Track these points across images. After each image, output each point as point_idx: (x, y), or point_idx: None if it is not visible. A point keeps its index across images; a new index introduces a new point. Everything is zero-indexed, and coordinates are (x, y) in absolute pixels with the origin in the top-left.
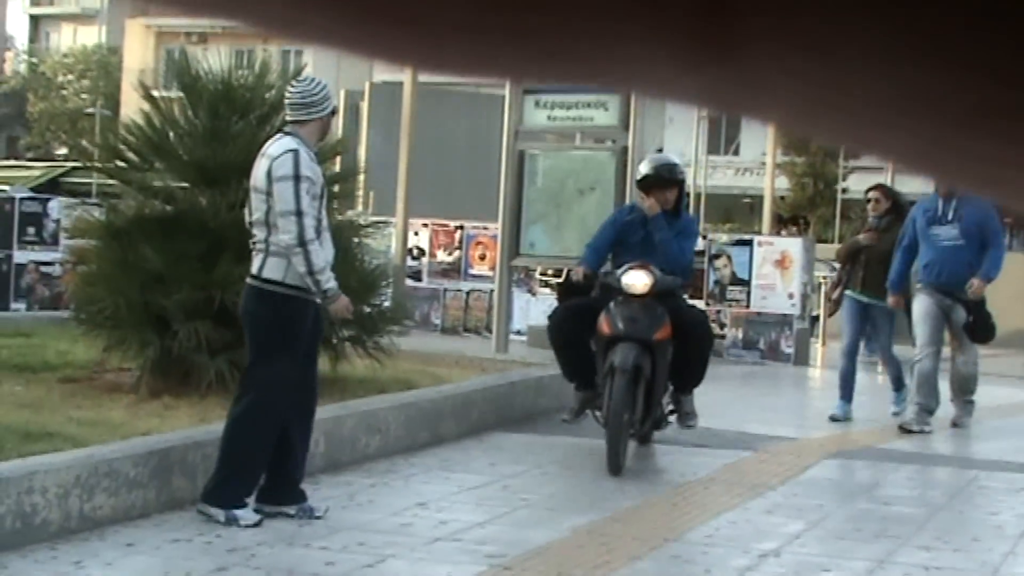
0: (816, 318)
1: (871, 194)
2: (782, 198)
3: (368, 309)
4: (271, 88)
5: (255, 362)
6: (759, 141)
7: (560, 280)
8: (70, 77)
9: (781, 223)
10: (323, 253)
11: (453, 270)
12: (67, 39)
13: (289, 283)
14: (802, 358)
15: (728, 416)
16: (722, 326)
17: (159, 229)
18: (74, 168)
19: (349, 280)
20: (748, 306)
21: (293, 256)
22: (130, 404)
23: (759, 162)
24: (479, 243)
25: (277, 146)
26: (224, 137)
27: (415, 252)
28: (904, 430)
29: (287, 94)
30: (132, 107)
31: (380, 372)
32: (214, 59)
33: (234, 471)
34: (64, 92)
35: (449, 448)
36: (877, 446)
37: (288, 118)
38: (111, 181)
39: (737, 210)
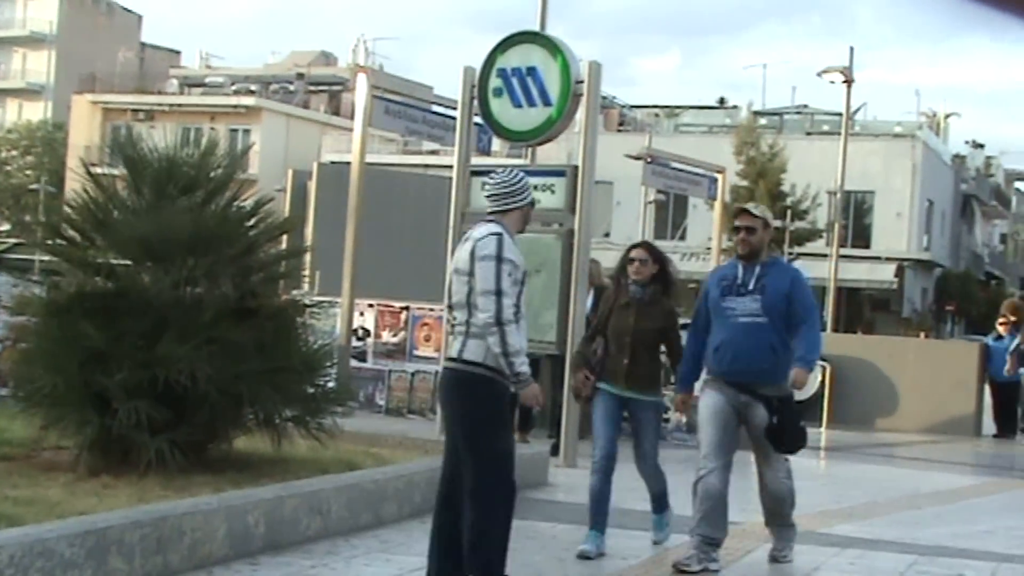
0: None
1: (633, 253)
2: None
3: (312, 389)
4: (217, 166)
5: (473, 447)
6: (705, 226)
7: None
8: (14, 153)
9: None
10: (519, 336)
11: (398, 351)
12: (12, 114)
13: (489, 364)
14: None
15: (670, 499)
16: (666, 410)
17: (101, 306)
18: (16, 244)
19: (293, 360)
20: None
21: (489, 335)
22: (68, 483)
23: (705, 247)
24: (425, 324)
25: (482, 230)
26: (168, 214)
27: (360, 333)
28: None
29: (486, 186)
30: (76, 183)
31: (323, 453)
32: (160, 137)
33: (492, 556)
34: (8, 168)
35: (391, 530)
36: (819, 531)
37: (489, 209)
38: (53, 258)
39: (684, 294)
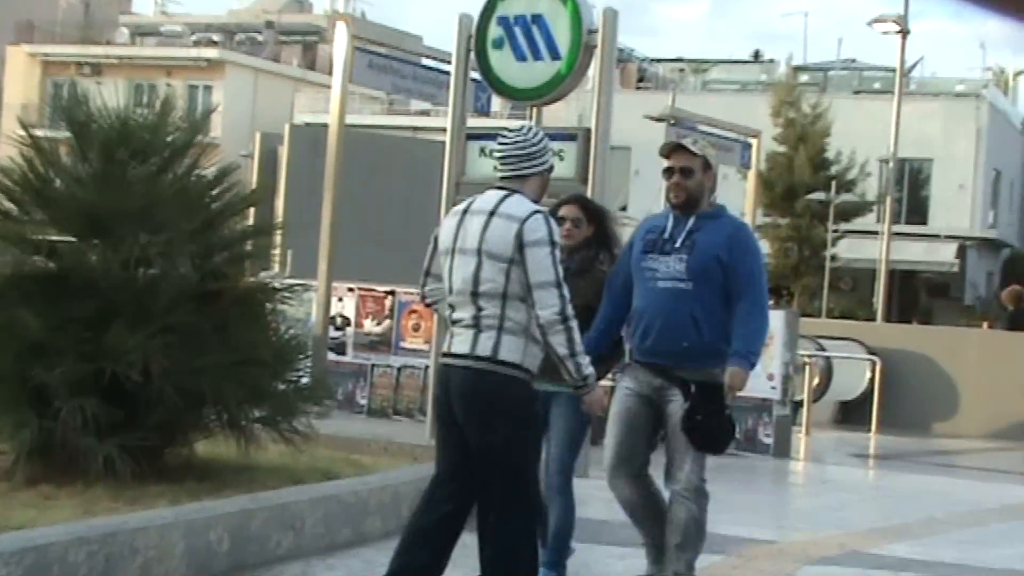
0: (799, 404)
1: (563, 211)
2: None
3: (283, 386)
4: (175, 129)
5: (504, 461)
6: (736, 199)
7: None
8: None
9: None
10: (578, 333)
11: (382, 343)
12: None
13: (527, 367)
14: (782, 449)
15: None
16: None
17: (39, 289)
18: None
19: (261, 352)
20: None
21: (553, 334)
22: (2, 493)
23: None
24: (413, 312)
25: (517, 206)
26: (119, 184)
27: (339, 321)
28: None
29: (500, 145)
30: (11, 149)
31: (296, 460)
32: (109, 94)
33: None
34: None
35: (374, 549)
36: (868, 551)
37: (502, 174)
38: None
39: None
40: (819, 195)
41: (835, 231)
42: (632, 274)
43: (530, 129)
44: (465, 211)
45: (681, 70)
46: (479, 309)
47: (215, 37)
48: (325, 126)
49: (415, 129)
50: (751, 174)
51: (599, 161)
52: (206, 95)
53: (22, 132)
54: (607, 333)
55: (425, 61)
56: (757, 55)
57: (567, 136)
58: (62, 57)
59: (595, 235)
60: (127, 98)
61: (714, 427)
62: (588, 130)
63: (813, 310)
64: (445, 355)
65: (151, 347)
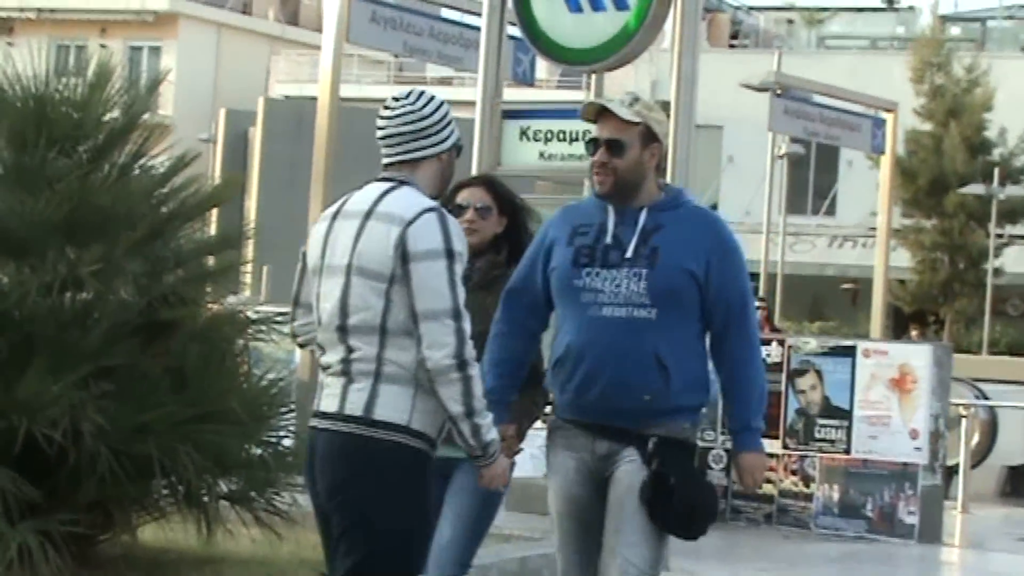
0: (953, 470)
1: (462, 196)
2: (901, 282)
3: (258, 450)
4: (111, 106)
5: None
6: (866, 195)
7: None
8: None
9: (901, 321)
10: (480, 384)
11: None
12: None
13: (416, 429)
14: (931, 531)
15: None
16: (808, 482)
17: None
18: None
19: (229, 404)
20: (848, 451)
21: (443, 385)
22: None
23: (866, 227)
24: None
25: (401, 202)
26: (36, 181)
27: None
28: None
29: (379, 120)
30: None
31: (275, 549)
32: (23, 59)
33: None
34: None
35: None
36: None
37: (387, 158)
38: None
39: (831, 300)
40: (977, 188)
41: (999, 236)
42: (554, 294)
43: (421, 95)
44: (336, 214)
45: (789, 21)
46: (349, 350)
47: None
48: (313, 99)
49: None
50: (885, 160)
51: (681, 144)
52: (153, 59)
53: None
54: (511, 379)
55: (446, 13)
56: (891, 1)
57: None
58: None
59: (507, 232)
60: (47, 64)
61: (694, 496)
62: (666, 103)
63: (971, 344)
64: (313, 415)
65: (80, 398)
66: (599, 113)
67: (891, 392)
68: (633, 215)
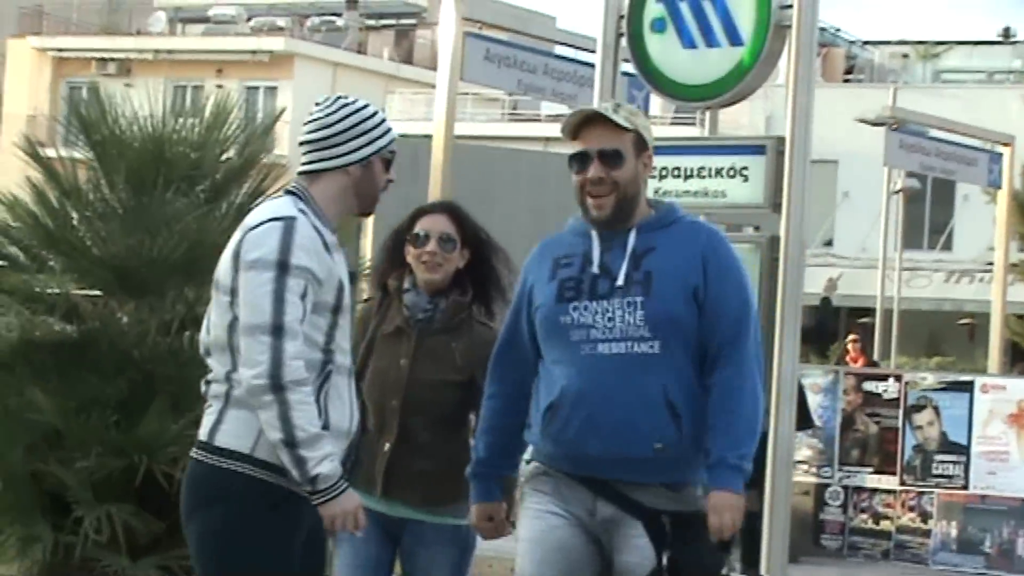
0: None
1: (422, 225)
2: (1019, 317)
3: None
4: (227, 143)
5: None
6: (983, 230)
7: None
8: None
9: (1018, 356)
10: (311, 411)
11: None
12: None
13: (260, 458)
14: None
15: None
16: (925, 518)
17: (54, 361)
18: None
19: None
20: (966, 486)
21: (258, 408)
22: None
23: (983, 262)
24: None
25: (261, 210)
26: (155, 221)
27: None
28: None
29: (304, 124)
30: (13, 173)
31: None
32: (141, 100)
33: None
34: None
35: None
36: None
37: (300, 167)
38: None
39: (948, 336)
40: None
41: None
42: (540, 337)
43: (337, 101)
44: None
45: (905, 56)
46: (208, 370)
47: (280, 23)
48: (428, 137)
49: (547, 140)
50: (1002, 194)
51: (796, 180)
52: (268, 99)
53: (29, 152)
54: (504, 449)
55: (560, 50)
56: (1008, 33)
57: (752, 149)
58: (80, 52)
59: (471, 268)
60: (164, 105)
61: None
62: (781, 139)
63: None
64: None
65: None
66: (583, 124)
67: (1009, 428)
68: (621, 239)
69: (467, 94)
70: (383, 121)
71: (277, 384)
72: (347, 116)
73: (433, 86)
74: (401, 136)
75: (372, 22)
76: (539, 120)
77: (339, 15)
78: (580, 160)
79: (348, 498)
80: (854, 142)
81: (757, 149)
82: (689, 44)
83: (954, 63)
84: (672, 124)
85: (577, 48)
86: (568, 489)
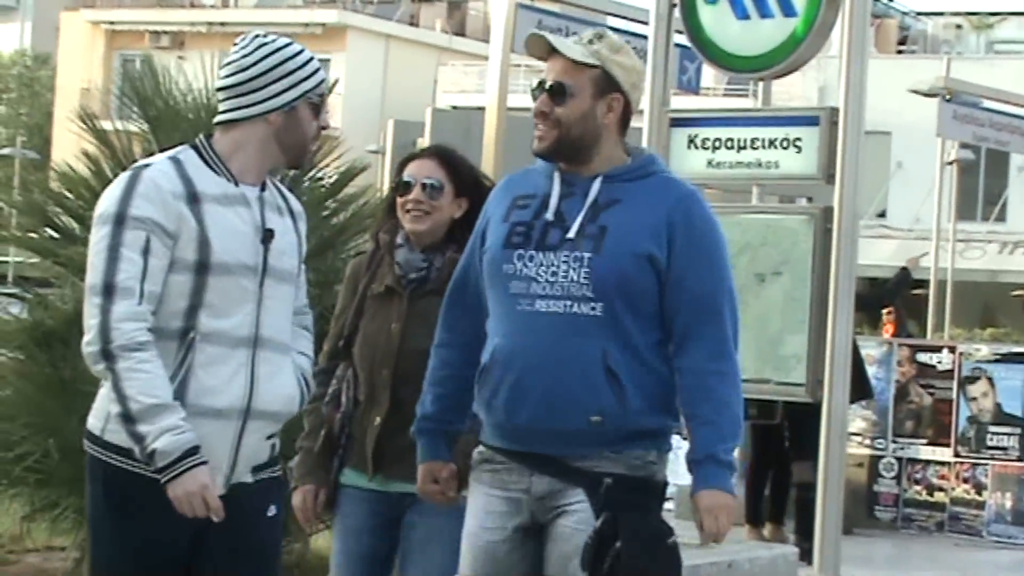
0: None
1: (411, 169)
2: None
3: None
4: None
5: None
6: None
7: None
8: None
9: None
10: (148, 380)
11: None
12: None
13: (108, 441)
14: None
15: None
16: (980, 489)
17: None
18: None
19: None
20: (1021, 458)
21: (104, 381)
22: None
23: None
24: None
25: (144, 164)
26: None
27: None
28: None
29: (220, 71)
30: (69, 146)
31: None
32: (194, 72)
33: None
34: None
35: None
36: None
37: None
38: (37, 259)
39: (1003, 307)
40: None
41: None
42: (485, 284)
43: (254, 40)
44: None
45: (958, 27)
46: None
47: None
48: (480, 110)
49: None
50: None
51: (850, 151)
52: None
53: (84, 125)
54: (455, 402)
55: (612, 22)
56: None
57: (805, 120)
58: (132, 25)
59: (468, 219)
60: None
61: (644, 564)
62: (834, 110)
63: None
64: None
65: None
66: (543, 50)
67: None
68: (584, 185)
69: (519, 66)
70: (309, 61)
71: (106, 351)
72: (265, 57)
73: (485, 58)
74: (453, 108)
75: None
76: None
77: None
78: (535, 89)
79: (192, 478)
80: (907, 113)
81: (810, 120)
82: (742, 15)
83: (1008, 34)
84: (725, 95)
85: (629, 19)
86: (506, 472)
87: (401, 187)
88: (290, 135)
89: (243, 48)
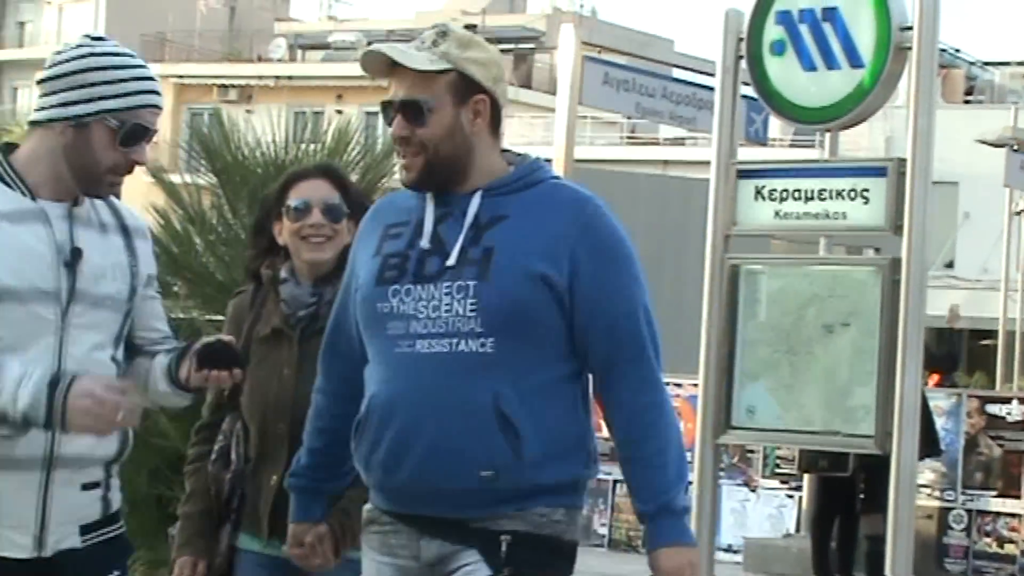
0: None
1: (300, 191)
2: None
3: None
4: (349, 169)
5: None
6: None
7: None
8: None
9: None
10: None
11: None
12: None
13: None
14: None
15: None
16: None
17: None
18: None
19: None
20: None
21: None
22: None
23: None
24: None
25: None
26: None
27: None
28: None
29: None
30: (137, 198)
31: None
32: (263, 126)
33: None
34: None
35: None
36: None
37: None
38: None
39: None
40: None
41: None
42: (360, 326)
43: (84, 39)
44: None
45: None
46: None
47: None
48: (547, 161)
49: (665, 163)
50: None
51: (918, 202)
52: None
53: (152, 177)
54: (332, 458)
55: (678, 73)
56: None
57: (873, 171)
58: (202, 79)
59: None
60: (286, 131)
61: None
62: (902, 161)
63: None
64: None
65: None
66: (384, 67)
67: None
68: (462, 204)
69: (585, 118)
70: (127, 80)
71: None
72: (76, 58)
73: (551, 110)
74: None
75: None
76: (657, 143)
77: None
78: (384, 111)
79: (75, 400)
80: (974, 163)
81: (878, 171)
82: (809, 66)
83: None
84: (791, 146)
85: (695, 71)
86: (394, 535)
87: (293, 212)
88: (76, 155)
89: (71, 46)
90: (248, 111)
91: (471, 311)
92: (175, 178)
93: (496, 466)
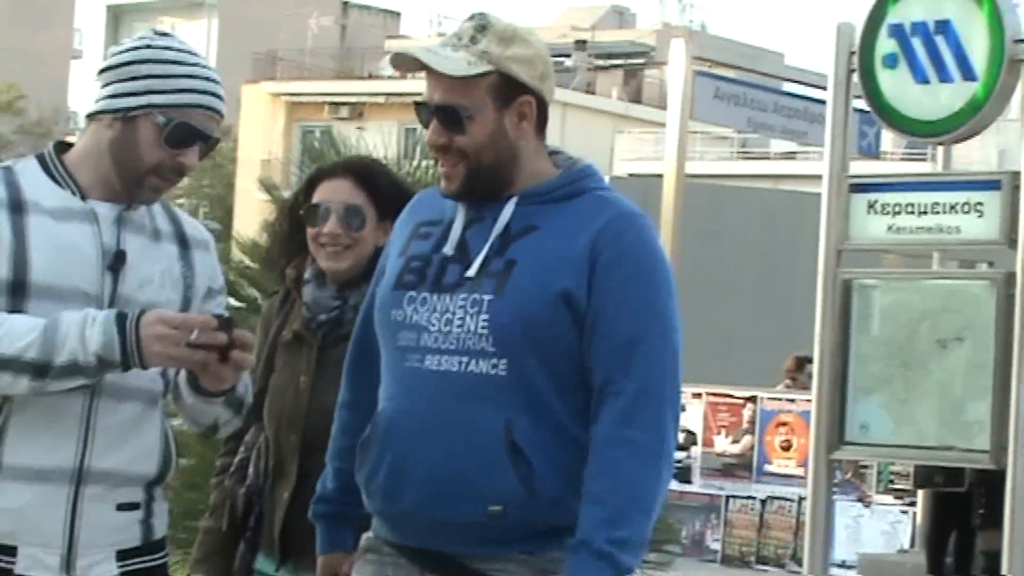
0: None
1: (322, 193)
2: None
3: None
4: None
5: None
6: None
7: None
8: None
9: None
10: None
11: (741, 466)
12: None
13: None
14: None
15: None
16: None
17: None
18: None
19: None
20: None
21: None
22: None
23: None
24: (781, 424)
25: None
26: None
27: (682, 438)
28: None
29: None
30: (251, 216)
31: None
32: (374, 143)
33: None
34: None
35: None
36: None
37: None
38: None
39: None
40: None
41: None
42: (377, 332)
43: (147, 32)
44: None
45: None
46: None
47: None
48: (658, 177)
49: (777, 177)
50: None
51: None
52: None
53: (265, 195)
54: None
55: (789, 87)
56: None
57: (987, 184)
58: (313, 97)
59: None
60: (398, 148)
61: None
62: (1016, 174)
63: None
64: None
65: None
66: (420, 69)
67: None
68: (495, 209)
69: (696, 132)
70: (182, 77)
71: None
72: (132, 50)
73: (662, 125)
74: (630, 175)
75: (600, 62)
76: (769, 158)
77: (568, 56)
78: (420, 114)
79: (146, 330)
80: None
81: (992, 184)
82: (921, 79)
83: None
84: (903, 159)
85: (806, 84)
86: (395, 567)
87: (311, 215)
88: (121, 150)
89: (133, 39)
90: (359, 128)
91: (483, 328)
92: (287, 196)
93: (505, 500)
